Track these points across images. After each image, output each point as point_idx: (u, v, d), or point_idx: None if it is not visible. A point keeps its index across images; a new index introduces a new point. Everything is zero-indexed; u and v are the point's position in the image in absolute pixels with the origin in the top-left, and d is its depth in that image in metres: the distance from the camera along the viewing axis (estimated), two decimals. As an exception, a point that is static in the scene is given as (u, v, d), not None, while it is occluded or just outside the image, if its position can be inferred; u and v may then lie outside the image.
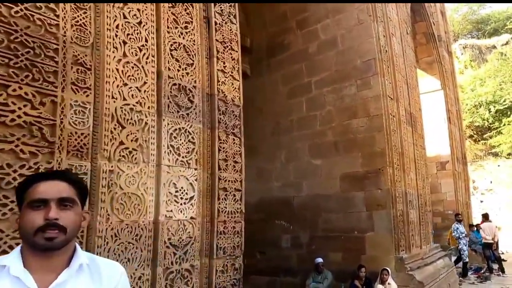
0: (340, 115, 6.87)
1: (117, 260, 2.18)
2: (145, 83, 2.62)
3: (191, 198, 2.71)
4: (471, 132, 25.84)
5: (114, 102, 2.40)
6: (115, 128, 2.39)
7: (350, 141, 6.64)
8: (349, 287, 6.02)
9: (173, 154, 2.66)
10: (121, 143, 2.41)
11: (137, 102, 2.54)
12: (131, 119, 2.49)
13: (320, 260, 6.35)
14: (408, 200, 6.65)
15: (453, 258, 9.97)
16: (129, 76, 2.54)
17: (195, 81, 2.93)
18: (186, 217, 2.65)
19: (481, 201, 21.34)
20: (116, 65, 2.46)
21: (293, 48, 7.81)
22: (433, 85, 13.69)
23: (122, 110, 2.44)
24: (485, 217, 11.04)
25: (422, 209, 7.49)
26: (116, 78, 2.45)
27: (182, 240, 2.61)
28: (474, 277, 9.62)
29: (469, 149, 23.69)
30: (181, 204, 2.64)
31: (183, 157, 2.70)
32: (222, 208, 2.89)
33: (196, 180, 2.74)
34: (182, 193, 2.65)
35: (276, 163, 7.43)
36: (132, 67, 2.57)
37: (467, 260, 9.72)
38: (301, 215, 6.92)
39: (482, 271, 9.91)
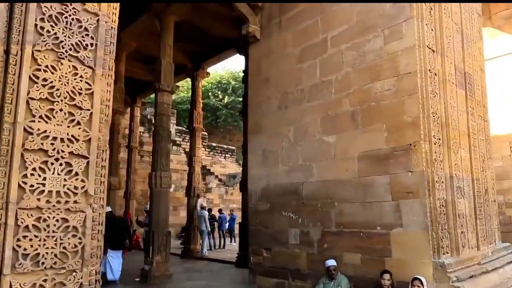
0: (360, 78, 5.30)
1: None
2: None
3: None
4: None
5: None
6: None
7: (372, 110, 5.06)
8: (369, 300, 4.58)
9: None
10: None
11: None
12: None
13: (331, 263, 4.96)
14: (455, 186, 4.90)
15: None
16: None
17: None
18: None
19: None
20: None
21: (307, -1, 6.31)
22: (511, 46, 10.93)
23: None
24: None
25: (481, 198, 5.62)
26: None
27: None
28: None
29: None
30: None
31: None
32: (32, 186, 1.75)
33: None
34: None
35: (282, 142, 6.10)
36: None
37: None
38: (311, 206, 5.55)
39: None
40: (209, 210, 11.53)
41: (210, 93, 28.84)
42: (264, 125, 6.47)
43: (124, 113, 9.99)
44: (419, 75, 4.80)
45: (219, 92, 27.42)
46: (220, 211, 13.29)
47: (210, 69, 12.62)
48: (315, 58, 5.97)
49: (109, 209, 8.20)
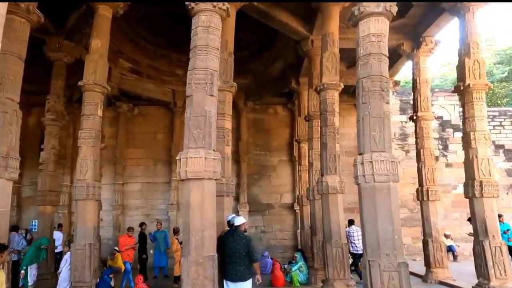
0: None
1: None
2: None
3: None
4: None
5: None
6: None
7: None
8: None
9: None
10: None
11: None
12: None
13: None
14: None
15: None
16: None
17: None
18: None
19: None
20: None
21: None
22: None
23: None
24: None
25: None
26: None
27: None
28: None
29: None
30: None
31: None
32: None
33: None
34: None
35: None
36: None
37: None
38: None
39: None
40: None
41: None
42: None
43: (339, 88, 7.12)
44: None
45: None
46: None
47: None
48: None
49: (229, 217, 5.04)
